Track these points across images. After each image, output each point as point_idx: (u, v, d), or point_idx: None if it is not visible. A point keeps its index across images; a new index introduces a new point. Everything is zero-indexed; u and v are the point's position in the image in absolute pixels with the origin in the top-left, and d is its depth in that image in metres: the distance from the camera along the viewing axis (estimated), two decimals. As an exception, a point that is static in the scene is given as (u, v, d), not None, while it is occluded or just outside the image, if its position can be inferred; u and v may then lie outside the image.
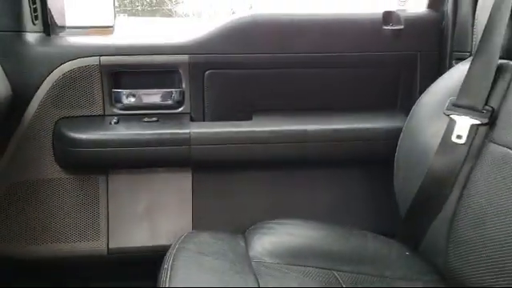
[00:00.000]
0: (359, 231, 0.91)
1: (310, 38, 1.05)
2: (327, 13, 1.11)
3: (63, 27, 1.08)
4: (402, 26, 1.07)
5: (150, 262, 0.82)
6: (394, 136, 0.95)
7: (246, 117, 1.06)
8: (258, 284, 0.70)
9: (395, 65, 1.09)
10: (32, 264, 1.05)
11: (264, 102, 1.07)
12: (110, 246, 1.04)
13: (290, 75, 1.06)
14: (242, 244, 0.84)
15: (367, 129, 1.06)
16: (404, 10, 1.11)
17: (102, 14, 1.23)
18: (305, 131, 1.04)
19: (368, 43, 1.07)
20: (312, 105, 1.09)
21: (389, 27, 1.07)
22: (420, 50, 1.09)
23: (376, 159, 1.04)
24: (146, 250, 1.04)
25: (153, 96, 1.03)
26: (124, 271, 1.07)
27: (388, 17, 1.08)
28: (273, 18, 1.08)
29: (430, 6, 1.12)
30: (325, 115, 1.08)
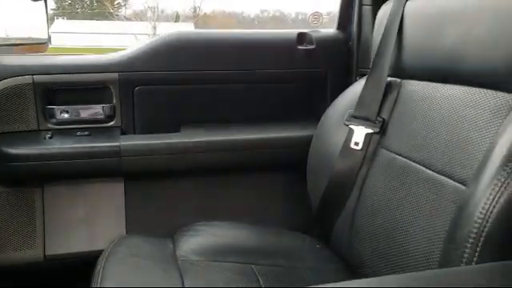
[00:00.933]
0: (276, 229, 1.02)
1: (231, 56, 1.16)
2: (247, 31, 1.22)
3: (-5, 46, 1.11)
4: (313, 46, 1.20)
5: (86, 266, 0.88)
6: (307, 143, 1.07)
7: (175, 129, 1.14)
8: (182, 279, 0.79)
9: (309, 80, 1.22)
10: None
11: (191, 115, 1.16)
12: (47, 253, 1.09)
13: (214, 90, 1.16)
14: (171, 245, 0.92)
15: (284, 137, 1.17)
16: (316, 30, 1.23)
17: (36, 29, 1.25)
18: (229, 141, 1.13)
19: (284, 61, 1.18)
20: (235, 117, 1.19)
21: (302, 47, 1.19)
22: (330, 67, 1.22)
23: (292, 164, 1.14)
24: (83, 255, 1.10)
25: (85, 111, 1.09)
26: (62, 277, 1.12)
27: (302, 37, 1.20)
28: (196, 37, 1.17)
29: (338, 27, 1.25)
30: (246, 126, 1.18)
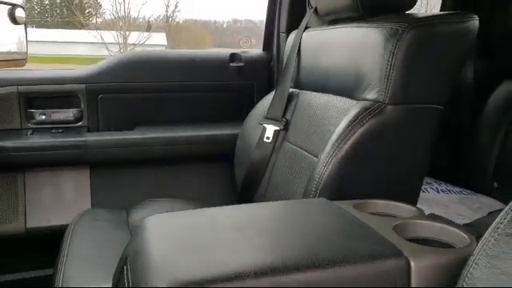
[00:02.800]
0: (211, 205, 1.31)
1: (176, 70, 1.44)
2: (189, 50, 1.51)
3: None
4: (243, 64, 1.50)
5: (61, 235, 1.13)
6: (235, 139, 1.37)
7: (130, 128, 1.42)
8: (132, 236, 1.08)
9: (239, 90, 1.51)
10: None
11: (143, 117, 1.44)
12: (27, 226, 1.35)
13: (162, 97, 1.44)
14: (125, 215, 1.21)
15: (217, 134, 1.46)
16: (246, 51, 1.54)
17: (15, 44, 1.50)
18: (174, 137, 1.41)
19: (219, 75, 1.48)
20: (180, 118, 1.47)
21: (234, 64, 1.50)
22: (256, 81, 1.52)
23: (224, 155, 1.42)
24: (57, 227, 1.35)
25: (59, 114, 1.36)
26: (40, 245, 1.37)
27: (233, 56, 1.50)
28: (147, 55, 1.46)
29: (263, 49, 1.56)
30: (188, 126, 1.46)
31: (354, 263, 0.54)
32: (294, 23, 1.38)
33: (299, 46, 1.22)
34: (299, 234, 0.62)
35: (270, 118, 1.24)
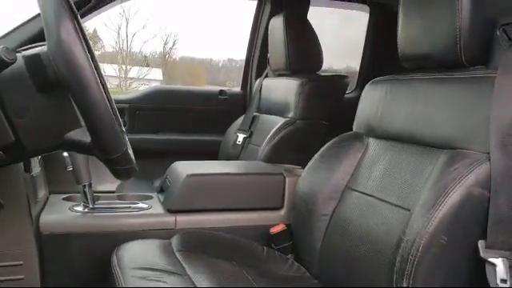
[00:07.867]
0: None
1: (185, 99, 2.27)
2: (194, 87, 2.33)
3: None
4: (227, 97, 2.34)
5: None
6: (219, 142, 2.19)
7: (154, 132, 2.23)
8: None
9: (224, 113, 2.32)
10: None
11: (162, 127, 2.24)
12: None
13: (175, 115, 2.25)
14: (150, 183, 2.00)
15: (211, 139, 2.24)
16: (230, 89, 2.39)
17: None
18: (182, 139, 2.20)
19: (211, 103, 2.30)
20: (186, 129, 2.25)
21: (222, 97, 2.33)
22: (235, 108, 2.33)
23: (212, 152, 2.18)
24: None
25: None
26: None
27: (221, 92, 2.34)
28: (167, 89, 2.31)
29: (241, 88, 2.40)
30: (192, 134, 2.25)
31: (262, 174, 1.37)
32: (260, 72, 2.23)
33: (261, 88, 2.07)
34: (243, 167, 1.45)
35: (241, 130, 2.07)
